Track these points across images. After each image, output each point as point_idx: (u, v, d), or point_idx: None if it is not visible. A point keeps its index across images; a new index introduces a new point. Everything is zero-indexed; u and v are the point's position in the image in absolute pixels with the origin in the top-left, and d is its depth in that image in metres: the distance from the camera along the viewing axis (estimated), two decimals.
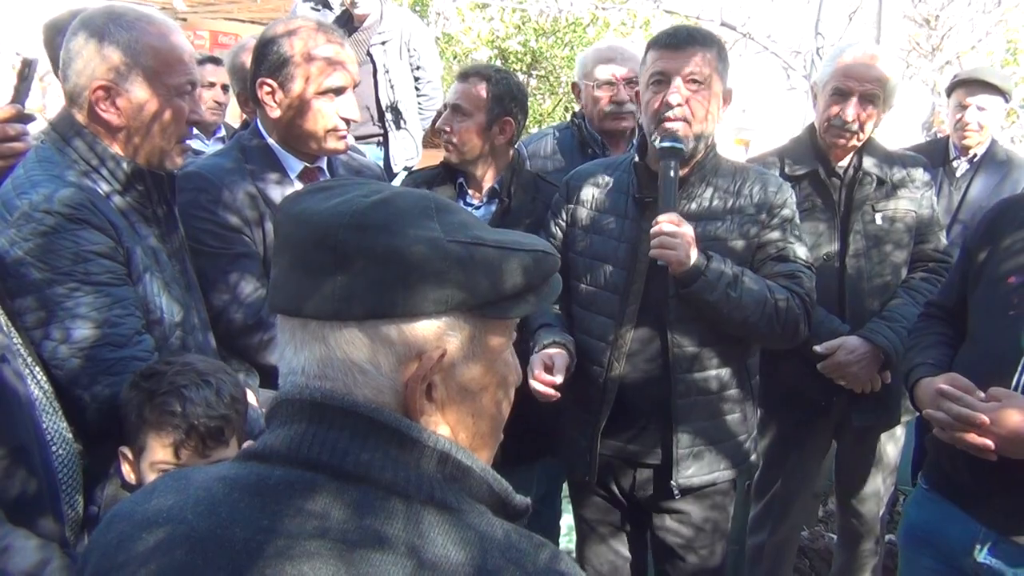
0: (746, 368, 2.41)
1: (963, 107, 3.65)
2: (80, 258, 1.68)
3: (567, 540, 3.45)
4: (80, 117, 1.81)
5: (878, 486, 3.00)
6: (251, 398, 2.04)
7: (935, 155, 3.50)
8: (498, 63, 6.26)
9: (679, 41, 2.24)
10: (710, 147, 2.33)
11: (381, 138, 4.84)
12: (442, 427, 0.92)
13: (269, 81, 2.19)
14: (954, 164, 3.73)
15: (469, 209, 2.70)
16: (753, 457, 2.48)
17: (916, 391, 2.01)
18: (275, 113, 2.21)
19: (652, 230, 2.17)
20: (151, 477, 1.55)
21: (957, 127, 3.68)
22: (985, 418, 1.77)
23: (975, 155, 3.70)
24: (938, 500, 2.03)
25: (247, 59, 2.53)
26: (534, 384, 2.20)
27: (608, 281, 2.36)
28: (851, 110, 2.65)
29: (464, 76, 2.75)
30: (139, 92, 1.80)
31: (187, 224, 2.06)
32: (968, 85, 3.70)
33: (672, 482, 2.31)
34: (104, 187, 1.80)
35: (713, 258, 2.20)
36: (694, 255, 2.16)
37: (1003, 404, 1.77)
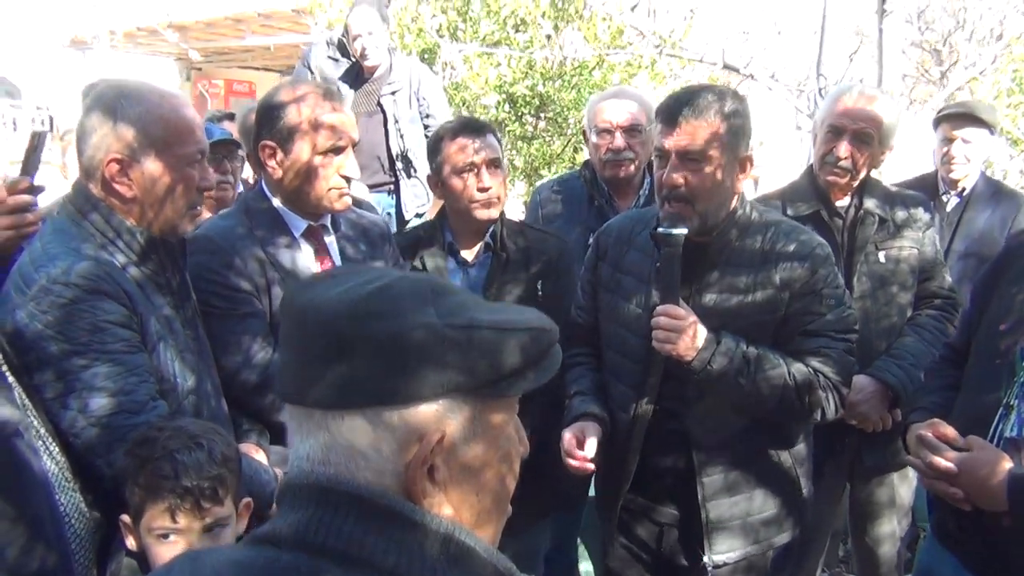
0: (784, 435, 2.28)
1: (949, 140, 3.63)
2: (97, 328, 1.71)
3: None
4: (95, 190, 1.86)
5: (893, 527, 2.98)
6: (262, 458, 2.07)
7: (925, 190, 3.48)
8: (507, 107, 6.34)
9: (673, 115, 2.10)
10: (729, 218, 2.18)
11: (392, 186, 4.92)
12: (445, 508, 0.93)
13: (271, 144, 2.23)
14: (944, 199, 3.72)
15: (464, 268, 2.68)
16: (800, 526, 2.34)
17: (907, 436, 2.01)
18: (277, 174, 2.25)
19: (652, 321, 2.11)
20: (152, 543, 1.59)
21: (944, 161, 3.66)
22: (952, 467, 1.77)
23: (964, 188, 3.69)
24: (937, 545, 2.02)
25: None
26: (568, 461, 2.18)
27: (630, 350, 2.28)
28: (843, 148, 2.68)
29: (480, 130, 2.63)
30: (151, 164, 1.85)
31: (196, 287, 2.10)
32: (953, 119, 3.67)
33: (705, 559, 2.24)
34: (120, 259, 1.84)
35: (722, 345, 2.09)
36: (698, 345, 2.08)
37: (972, 455, 1.76)
